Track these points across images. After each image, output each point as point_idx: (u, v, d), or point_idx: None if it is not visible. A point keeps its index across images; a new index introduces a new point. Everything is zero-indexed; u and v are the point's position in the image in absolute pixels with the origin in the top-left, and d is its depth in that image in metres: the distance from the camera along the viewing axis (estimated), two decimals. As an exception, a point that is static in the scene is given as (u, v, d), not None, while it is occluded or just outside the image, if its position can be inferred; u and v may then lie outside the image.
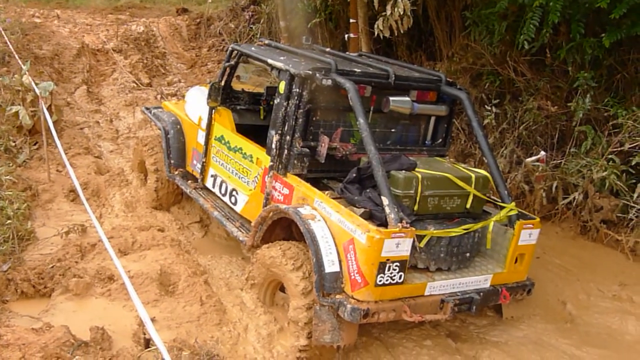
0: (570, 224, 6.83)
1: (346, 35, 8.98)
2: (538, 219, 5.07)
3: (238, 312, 5.04)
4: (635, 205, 6.22)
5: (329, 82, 4.88)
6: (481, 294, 4.73)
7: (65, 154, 7.03)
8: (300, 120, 5.02)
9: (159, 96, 11.43)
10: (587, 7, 6.70)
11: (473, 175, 4.86)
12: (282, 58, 5.36)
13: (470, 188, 4.82)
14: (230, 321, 4.96)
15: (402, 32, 7.35)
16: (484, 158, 5.33)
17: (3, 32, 11.14)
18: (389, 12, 7.08)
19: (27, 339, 4.13)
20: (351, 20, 8.70)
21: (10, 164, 7.46)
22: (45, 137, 7.53)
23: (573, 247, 6.63)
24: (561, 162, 6.90)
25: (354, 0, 8.28)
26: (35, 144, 8.35)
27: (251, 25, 13.94)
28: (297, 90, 4.98)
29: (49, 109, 7.98)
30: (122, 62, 12.93)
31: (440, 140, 5.76)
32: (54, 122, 7.61)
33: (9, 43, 10.58)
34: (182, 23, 15.71)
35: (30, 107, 8.28)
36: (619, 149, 6.48)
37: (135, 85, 12.01)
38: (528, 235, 4.92)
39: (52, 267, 5.44)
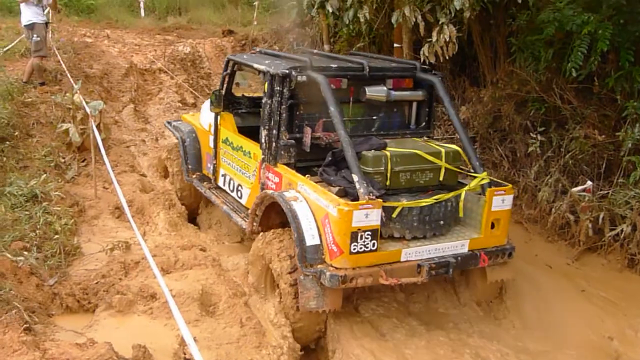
0: (617, 257, 6.63)
1: (390, 60, 9.00)
2: (510, 186, 5.40)
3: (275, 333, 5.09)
4: (686, 239, 6.04)
5: (304, 78, 5.45)
6: (458, 258, 5.10)
7: (112, 171, 7.17)
8: (284, 115, 5.56)
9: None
10: (637, 35, 6.61)
11: (443, 150, 5.25)
12: (266, 62, 5.89)
13: (441, 162, 5.20)
14: (270, 344, 4.97)
15: (447, 57, 7.35)
16: (457, 134, 5.67)
17: (57, 51, 11.49)
18: (434, 39, 7.09)
19: (71, 353, 4.19)
20: (395, 45, 8.73)
21: (59, 180, 7.65)
22: (94, 154, 7.71)
23: (619, 280, 6.43)
24: (608, 193, 6.73)
25: (400, 26, 8.30)
26: (83, 161, 8.55)
27: (296, 48, 14.07)
28: (278, 88, 5.52)
29: (97, 127, 8.17)
30: (168, 82, 13.17)
31: (424, 123, 6.19)
32: (102, 140, 7.80)
33: (61, 62, 10.89)
34: (227, 44, 15.90)
35: (79, 125, 8.51)
36: (669, 180, 6.32)
37: (181, 105, 12.22)
38: (501, 201, 5.25)
39: (97, 283, 5.54)
